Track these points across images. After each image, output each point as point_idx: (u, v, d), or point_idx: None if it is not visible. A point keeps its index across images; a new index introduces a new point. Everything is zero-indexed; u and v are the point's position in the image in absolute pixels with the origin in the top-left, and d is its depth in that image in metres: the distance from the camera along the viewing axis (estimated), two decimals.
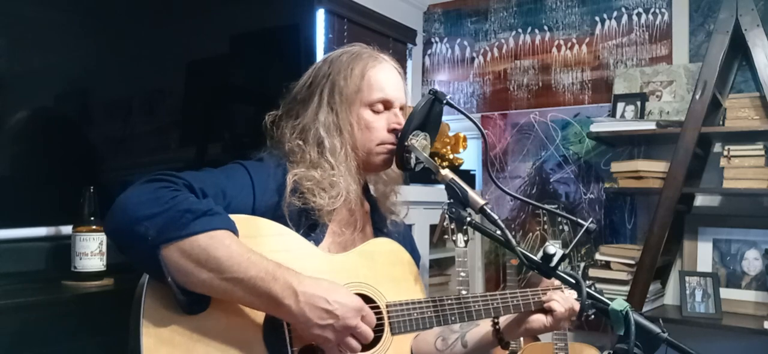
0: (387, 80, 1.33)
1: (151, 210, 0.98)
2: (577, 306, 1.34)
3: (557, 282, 1.19)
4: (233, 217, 1.07)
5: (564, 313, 1.35)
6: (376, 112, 1.31)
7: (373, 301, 1.22)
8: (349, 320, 1.05)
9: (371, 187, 1.43)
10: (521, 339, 2.51)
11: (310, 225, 1.23)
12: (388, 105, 1.33)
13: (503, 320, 1.39)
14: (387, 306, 1.23)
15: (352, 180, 1.27)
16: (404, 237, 1.42)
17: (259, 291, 1.01)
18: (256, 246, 1.07)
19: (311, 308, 1.03)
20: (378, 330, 1.19)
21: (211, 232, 1.00)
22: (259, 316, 1.10)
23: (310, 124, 1.29)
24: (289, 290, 1.02)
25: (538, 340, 2.57)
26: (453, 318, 1.28)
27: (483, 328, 1.40)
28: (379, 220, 1.41)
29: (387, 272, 1.28)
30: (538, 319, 1.36)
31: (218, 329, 1.05)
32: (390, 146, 1.31)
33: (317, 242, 1.23)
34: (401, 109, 1.35)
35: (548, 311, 1.36)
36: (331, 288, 1.06)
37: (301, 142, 1.28)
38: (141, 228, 0.97)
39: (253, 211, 1.16)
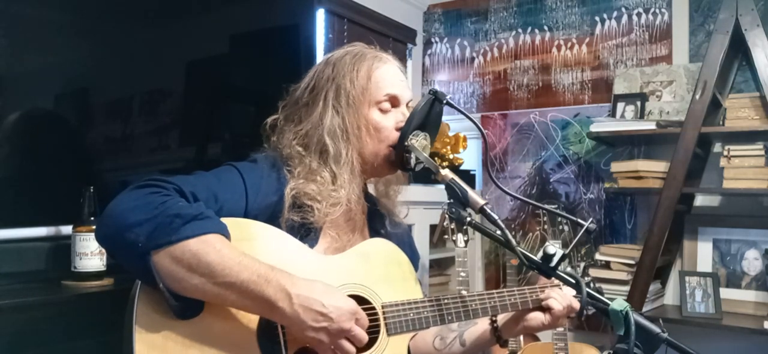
0: (394, 77, 1.31)
1: (141, 216, 0.97)
2: (575, 303, 1.34)
3: (556, 280, 1.19)
4: (225, 220, 1.06)
5: (562, 311, 1.34)
6: (384, 112, 1.29)
7: (369, 302, 1.21)
8: (343, 323, 1.04)
9: (371, 187, 1.42)
10: (521, 339, 2.51)
11: (305, 233, 1.22)
12: (395, 102, 1.30)
13: (501, 318, 1.39)
14: (383, 307, 1.22)
15: (355, 186, 1.25)
16: (402, 238, 1.40)
17: (252, 294, 1.00)
18: (249, 249, 1.06)
19: (305, 310, 1.02)
20: (374, 331, 1.18)
21: (202, 236, 0.99)
22: (253, 319, 1.09)
23: (313, 129, 1.26)
24: (283, 293, 1.01)
25: (537, 340, 2.57)
26: (450, 317, 1.27)
27: (481, 326, 1.40)
28: (376, 222, 1.40)
29: (383, 272, 1.27)
30: (537, 317, 1.36)
31: (212, 333, 1.04)
32: None
33: (312, 246, 1.22)
34: (408, 105, 1.32)
35: (546, 309, 1.35)
36: (325, 290, 1.06)
37: (301, 149, 1.25)
38: (131, 235, 0.96)
39: (246, 214, 1.15)
